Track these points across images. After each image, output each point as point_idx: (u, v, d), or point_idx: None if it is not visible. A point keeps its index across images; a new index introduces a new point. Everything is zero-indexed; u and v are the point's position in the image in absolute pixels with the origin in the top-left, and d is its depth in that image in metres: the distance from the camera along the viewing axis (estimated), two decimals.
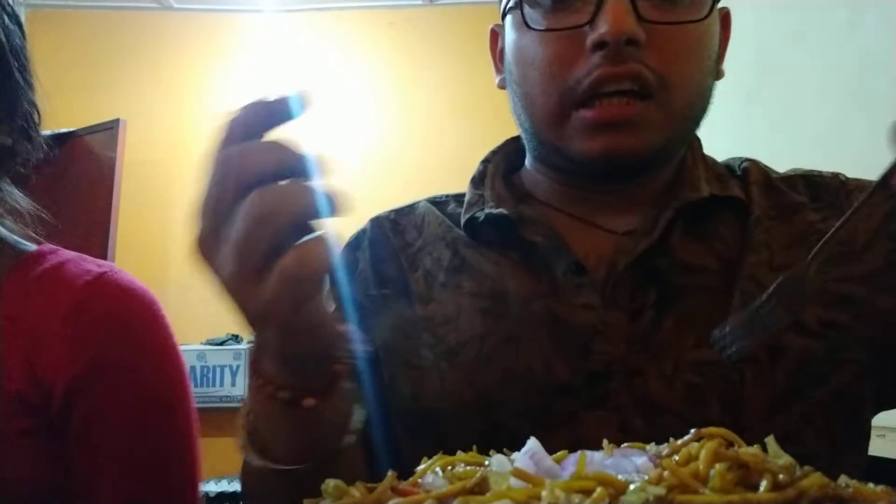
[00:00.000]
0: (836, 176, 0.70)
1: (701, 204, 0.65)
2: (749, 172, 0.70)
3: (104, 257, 3.24)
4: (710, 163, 0.71)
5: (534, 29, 0.62)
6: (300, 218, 0.40)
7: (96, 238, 3.27)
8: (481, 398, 0.63)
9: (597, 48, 0.59)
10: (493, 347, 0.64)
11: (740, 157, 0.73)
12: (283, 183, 0.40)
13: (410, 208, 0.79)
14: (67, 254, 0.81)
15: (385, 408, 0.69)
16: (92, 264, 0.79)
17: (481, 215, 0.69)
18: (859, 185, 0.67)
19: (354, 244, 0.76)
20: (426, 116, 4.02)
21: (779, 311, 0.44)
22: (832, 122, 1.95)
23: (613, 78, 0.59)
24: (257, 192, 0.39)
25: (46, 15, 4.18)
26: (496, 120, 3.84)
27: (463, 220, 0.71)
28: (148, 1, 4.10)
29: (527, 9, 0.63)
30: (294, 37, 4.08)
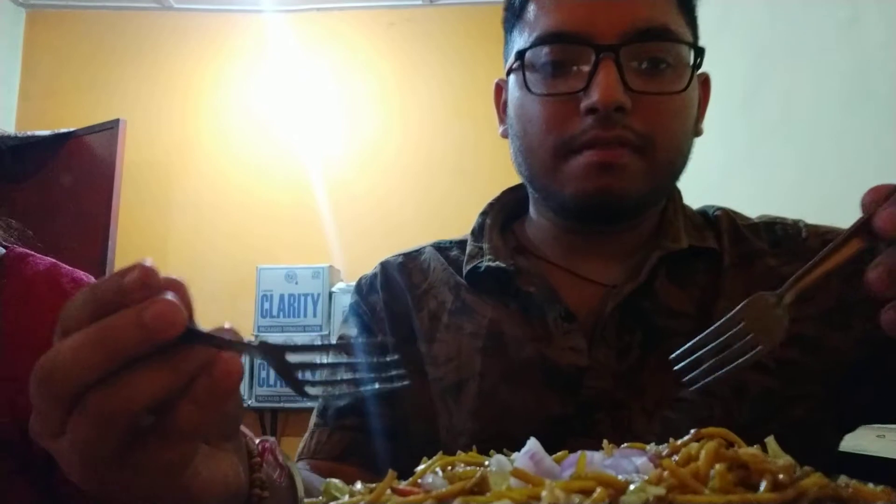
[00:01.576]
0: (795, 223, 0.77)
1: (681, 253, 0.72)
2: (720, 221, 0.77)
3: (104, 257, 3.24)
4: (688, 213, 0.78)
5: (534, 93, 0.70)
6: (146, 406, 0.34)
7: (96, 238, 3.27)
8: (484, 430, 0.69)
9: (589, 112, 0.66)
10: (492, 385, 0.71)
11: (714, 206, 0.81)
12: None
13: (417, 253, 0.85)
14: (39, 264, 0.79)
15: (394, 437, 0.74)
16: (68, 283, 0.78)
17: (482, 267, 0.75)
18: (813, 231, 0.74)
19: (370, 288, 0.83)
20: (426, 116, 4.02)
21: (752, 342, 0.43)
22: (829, 125, 1.95)
23: (603, 140, 0.66)
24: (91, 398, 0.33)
25: (46, 15, 4.18)
26: (495, 120, 3.84)
27: (465, 271, 0.77)
28: (148, 1, 4.10)
29: (528, 73, 0.70)
30: (294, 37, 4.08)
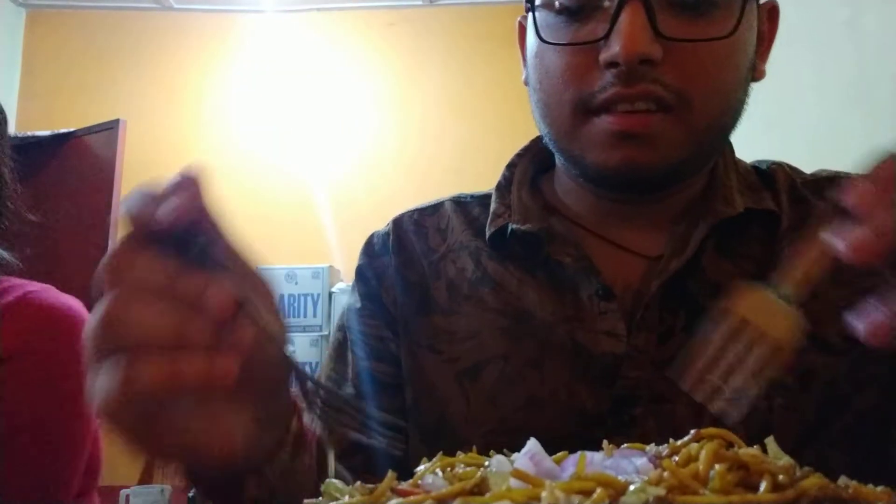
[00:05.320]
0: None
1: (734, 219, 0.61)
2: (776, 177, 0.67)
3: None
4: (741, 170, 0.67)
5: (548, 42, 0.59)
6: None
7: (96, 238, 3.27)
8: (504, 422, 0.61)
9: (609, 66, 0.56)
10: (515, 370, 0.62)
11: (767, 160, 0.70)
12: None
13: (434, 209, 0.75)
14: (11, 294, 0.91)
15: (400, 425, 0.67)
16: (33, 312, 0.92)
17: (508, 230, 0.66)
18: None
19: (381, 249, 0.73)
20: (425, 116, 4.02)
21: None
22: (830, 122, 1.95)
23: (626, 98, 0.56)
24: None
25: (46, 15, 4.18)
26: (495, 120, 3.84)
27: (488, 233, 0.67)
28: (148, 1, 4.09)
29: (545, 14, 0.60)
30: (294, 37, 4.08)
